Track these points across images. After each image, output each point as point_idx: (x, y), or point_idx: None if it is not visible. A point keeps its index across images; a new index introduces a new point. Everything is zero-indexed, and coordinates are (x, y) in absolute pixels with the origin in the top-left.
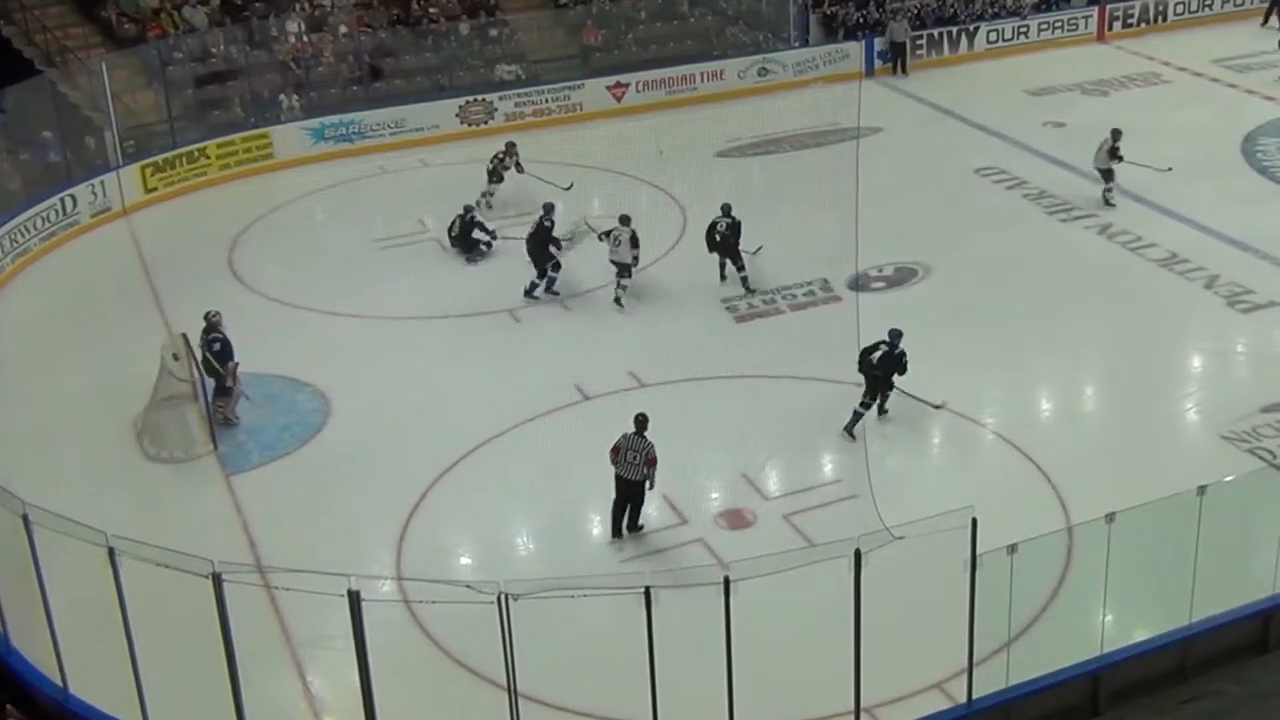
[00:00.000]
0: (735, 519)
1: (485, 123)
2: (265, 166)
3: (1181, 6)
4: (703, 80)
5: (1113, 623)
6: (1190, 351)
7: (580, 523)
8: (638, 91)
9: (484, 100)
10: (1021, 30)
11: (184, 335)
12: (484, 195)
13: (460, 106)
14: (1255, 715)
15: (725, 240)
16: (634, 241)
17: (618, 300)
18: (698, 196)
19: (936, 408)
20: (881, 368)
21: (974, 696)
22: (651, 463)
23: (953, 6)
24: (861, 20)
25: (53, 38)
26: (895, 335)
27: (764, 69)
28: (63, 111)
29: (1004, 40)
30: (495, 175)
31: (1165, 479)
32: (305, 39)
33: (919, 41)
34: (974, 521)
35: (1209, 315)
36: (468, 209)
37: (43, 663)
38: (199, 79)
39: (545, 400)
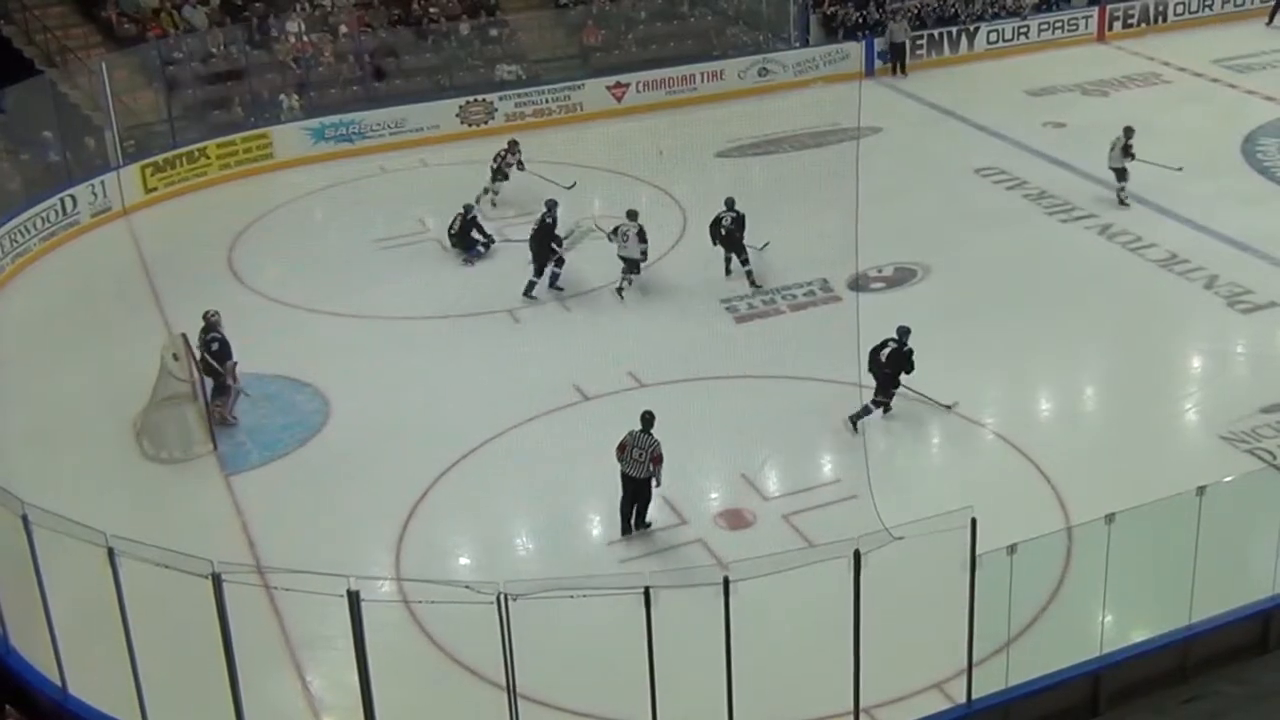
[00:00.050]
0: (735, 519)
1: (485, 123)
2: (265, 166)
3: (1182, 7)
4: (703, 80)
5: (1112, 623)
6: (1190, 352)
7: (580, 523)
8: (638, 92)
9: (484, 100)
10: (1021, 30)
11: (184, 335)
12: (488, 192)
13: (460, 106)
14: (1255, 715)
15: (730, 234)
16: (641, 236)
17: (619, 290)
18: (698, 197)
19: (948, 408)
20: (890, 365)
21: (974, 697)
22: (657, 460)
23: (953, 7)
24: (861, 20)
25: (53, 37)
26: (903, 332)
27: (764, 69)
28: (63, 111)
29: (1004, 40)
30: (499, 174)
31: (1165, 479)
32: (305, 39)
33: (919, 42)
34: (973, 522)
35: (1209, 315)
36: (468, 208)
37: (42, 663)
38: (199, 79)
39: (545, 400)
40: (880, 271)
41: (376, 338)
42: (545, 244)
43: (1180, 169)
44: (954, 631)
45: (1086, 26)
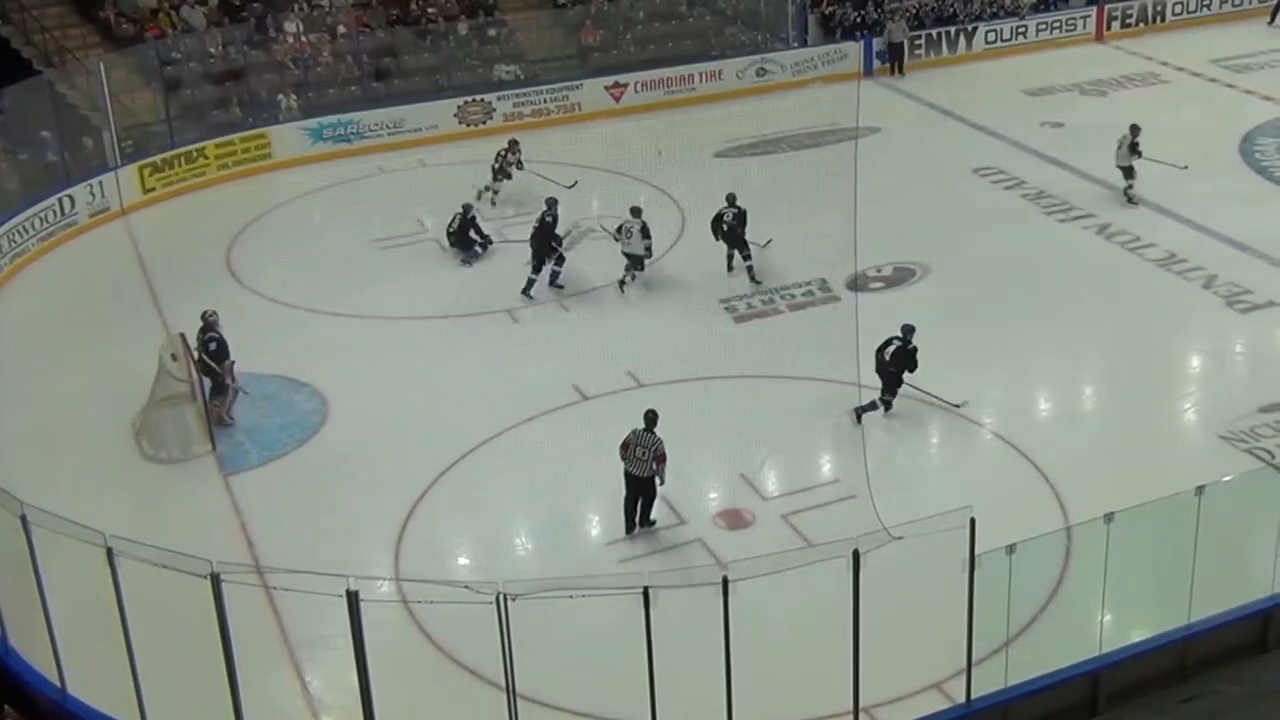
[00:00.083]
0: (734, 519)
1: (484, 123)
2: (263, 166)
3: (1180, 6)
4: (701, 80)
5: (1111, 623)
6: (1189, 351)
7: (579, 523)
8: (636, 92)
9: (482, 100)
10: (1020, 30)
11: (182, 335)
12: (488, 189)
13: (459, 106)
14: (1254, 715)
15: (732, 230)
16: (645, 233)
17: (621, 284)
18: (696, 197)
19: (957, 407)
20: (895, 363)
21: (973, 697)
22: (661, 459)
23: (951, 6)
24: (860, 20)
25: (51, 38)
26: (908, 330)
27: (762, 69)
28: (61, 112)
29: (1002, 40)
30: (501, 173)
31: (1164, 479)
32: (304, 39)
33: (917, 41)
34: (972, 521)
35: (1207, 315)
36: (467, 207)
37: (41, 663)
38: (197, 79)
39: (543, 400)
40: (879, 271)
41: (375, 338)
42: (545, 242)
43: (1186, 167)
44: (953, 631)
45: (1085, 26)
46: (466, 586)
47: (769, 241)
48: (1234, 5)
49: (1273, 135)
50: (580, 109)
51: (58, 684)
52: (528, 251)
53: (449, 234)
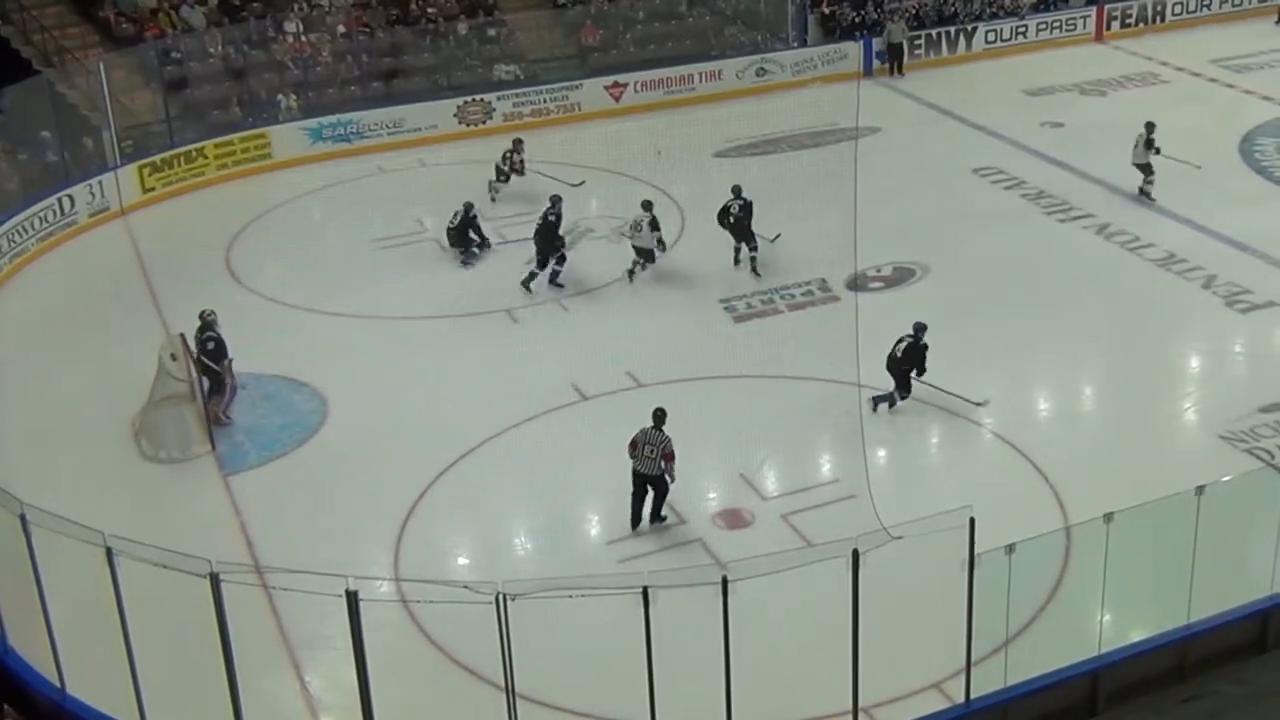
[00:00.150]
0: (733, 519)
1: (483, 123)
2: (263, 166)
3: (1179, 7)
4: (701, 80)
5: (1111, 622)
6: (1188, 351)
7: (578, 523)
8: (636, 91)
9: (482, 100)
10: (1020, 30)
11: (181, 335)
12: (492, 185)
13: (458, 106)
14: (1254, 714)
15: (739, 221)
16: (654, 225)
17: (630, 274)
18: (696, 197)
19: (979, 404)
20: (906, 360)
21: (972, 696)
22: (669, 457)
23: (951, 6)
24: (859, 20)
25: (50, 37)
26: (919, 328)
27: (762, 69)
28: (60, 111)
29: (1002, 40)
30: (513, 170)
31: (1163, 479)
32: (303, 39)
33: (917, 41)
34: (972, 521)
35: (1207, 315)
36: (468, 206)
37: (40, 663)
38: (197, 79)
39: (543, 400)
40: (879, 271)
41: (375, 337)
42: (549, 239)
43: (1200, 166)
44: (952, 631)
45: (1084, 26)
46: (466, 586)
47: (778, 236)
48: (1234, 5)
49: (1273, 135)
50: (580, 109)
51: (57, 684)
52: (527, 251)
53: (449, 231)
